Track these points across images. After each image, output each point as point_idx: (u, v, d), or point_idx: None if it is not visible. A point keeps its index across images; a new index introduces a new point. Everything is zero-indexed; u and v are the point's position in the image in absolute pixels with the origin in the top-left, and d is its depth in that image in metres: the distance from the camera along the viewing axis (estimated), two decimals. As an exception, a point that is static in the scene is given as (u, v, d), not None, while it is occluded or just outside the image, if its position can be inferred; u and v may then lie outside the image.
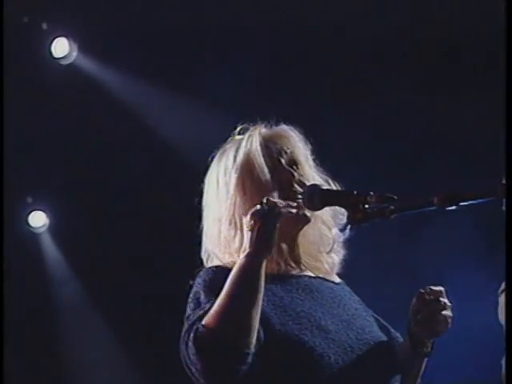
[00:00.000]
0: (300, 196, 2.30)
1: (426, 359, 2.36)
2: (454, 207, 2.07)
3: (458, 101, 4.40)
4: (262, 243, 2.15)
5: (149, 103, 4.90)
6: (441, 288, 2.28)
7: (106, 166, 4.98)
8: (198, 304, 2.22)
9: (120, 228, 5.02)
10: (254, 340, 2.11)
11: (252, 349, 2.11)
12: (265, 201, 2.19)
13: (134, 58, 4.81)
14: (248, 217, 2.19)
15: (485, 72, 4.26)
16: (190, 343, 2.11)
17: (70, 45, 4.87)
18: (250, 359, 2.11)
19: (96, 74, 4.87)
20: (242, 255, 2.16)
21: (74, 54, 4.89)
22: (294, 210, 2.24)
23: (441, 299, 2.26)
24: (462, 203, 2.06)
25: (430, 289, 2.27)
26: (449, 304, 2.27)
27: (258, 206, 2.18)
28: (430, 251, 4.45)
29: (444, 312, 2.26)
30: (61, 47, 4.87)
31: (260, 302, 2.14)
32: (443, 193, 2.07)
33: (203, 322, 2.12)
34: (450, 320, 2.27)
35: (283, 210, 2.20)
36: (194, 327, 2.13)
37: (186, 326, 2.18)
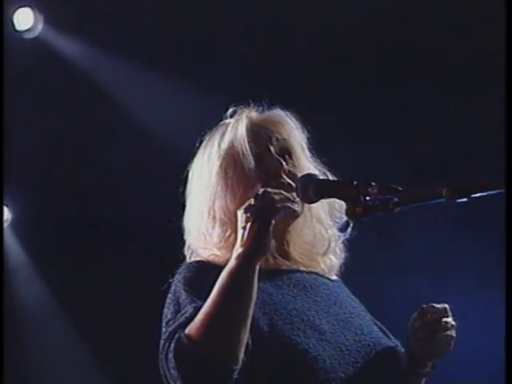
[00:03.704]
0: (291, 187, 2.27)
1: (424, 379, 2.35)
2: (464, 199, 2.02)
3: (459, 94, 4.46)
4: (255, 243, 2.11)
5: (125, 83, 4.87)
6: (445, 305, 2.27)
7: (77, 154, 4.96)
8: (178, 306, 2.19)
9: (91, 225, 5.00)
10: (242, 354, 2.08)
11: (240, 363, 2.08)
12: (260, 193, 2.15)
13: (107, 32, 4.77)
14: (240, 212, 2.16)
15: (485, 71, 4.32)
16: (170, 355, 2.08)
17: (35, 16, 4.84)
18: (236, 375, 2.08)
19: (64, 50, 4.84)
20: (234, 255, 2.13)
21: (40, 26, 4.86)
22: (295, 205, 2.20)
23: (444, 318, 2.25)
24: (473, 195, 2.01)
25: (433, 306, 2.26)
26: (453, 323, 2.27)
27: (253, 200, 2.14)
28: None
29: (446, 332, 2.25)
30: (24, 19, 4.84)
31: (251, 312, 2.10)
32: (453, 183, 2.03)
33: (186, 332, 2.08)
34: (452, 342, 2.27)
35: (281, 205, 2.15)
36: (176, 336, 2.09)
37: (166, 332, 2.14)
